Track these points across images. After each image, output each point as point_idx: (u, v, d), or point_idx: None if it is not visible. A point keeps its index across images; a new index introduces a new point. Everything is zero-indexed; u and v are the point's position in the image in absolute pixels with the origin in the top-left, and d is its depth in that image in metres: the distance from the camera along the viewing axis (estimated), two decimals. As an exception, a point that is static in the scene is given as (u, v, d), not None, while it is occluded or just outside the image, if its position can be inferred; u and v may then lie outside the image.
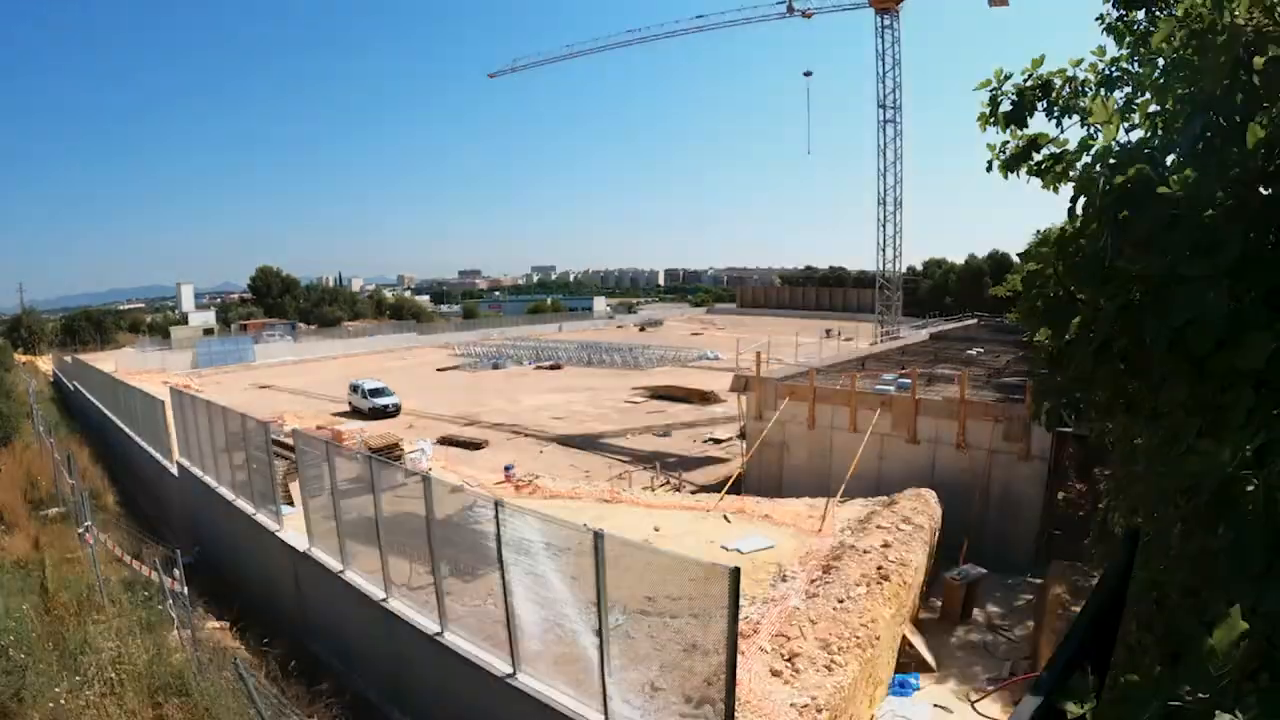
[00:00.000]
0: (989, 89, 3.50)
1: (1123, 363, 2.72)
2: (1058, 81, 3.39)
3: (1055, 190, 3.27)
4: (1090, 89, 3.41)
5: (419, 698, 8.41)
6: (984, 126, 3.56)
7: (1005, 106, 3.46)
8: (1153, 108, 2.89)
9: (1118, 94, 3.46)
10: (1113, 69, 3.48)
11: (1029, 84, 3.42)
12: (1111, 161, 2.53)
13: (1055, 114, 3.44)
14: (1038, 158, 3.39)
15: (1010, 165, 3.46)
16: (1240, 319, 2.01)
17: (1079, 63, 3.38)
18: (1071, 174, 3.18)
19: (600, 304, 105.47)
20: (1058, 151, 3.32)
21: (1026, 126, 3.44)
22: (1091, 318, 2.78)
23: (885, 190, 33.39)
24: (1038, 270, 3.27)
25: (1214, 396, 2.17)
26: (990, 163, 3.55)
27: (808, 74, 44.10)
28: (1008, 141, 3.49)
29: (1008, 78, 3.46)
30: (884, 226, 33.89)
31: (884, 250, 34.33)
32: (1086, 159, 3.11)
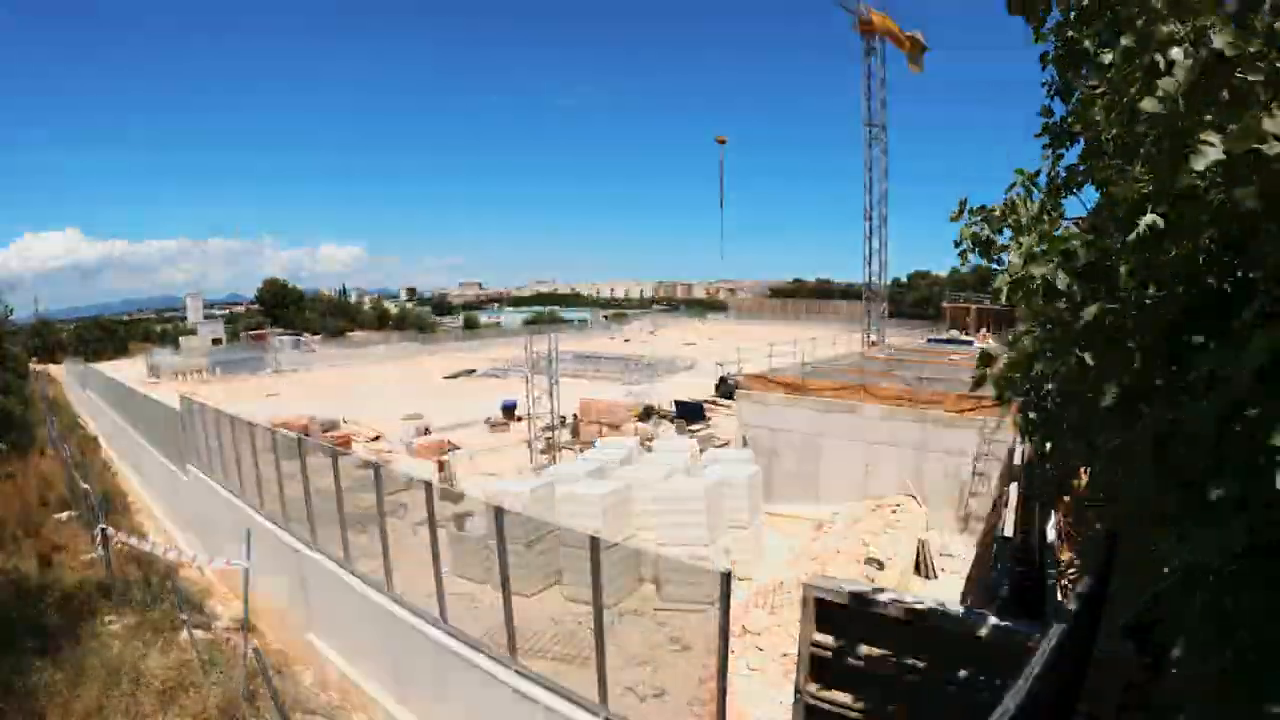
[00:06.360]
0: (961, 222, 3.41)
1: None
2: (1018, 195, 3.32)
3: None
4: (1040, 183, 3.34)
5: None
6: (964, 260, 3.50)
7: (983, 234, 3.37)
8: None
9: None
10: (1060, 127, 3.52)
11: (996, 211, 3.35)
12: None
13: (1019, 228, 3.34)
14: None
15: (1014, 291, 3.36)
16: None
17: (1034, 175, 3.34)
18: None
19: (596, 315, 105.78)
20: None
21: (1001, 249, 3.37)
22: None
23: (871, 205, 33.69)
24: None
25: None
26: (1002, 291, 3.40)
27: (721, 140, 35.84)
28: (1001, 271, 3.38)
29: (973, 209, 3.39)
30: (869, 240, 34.17)
31: (870, 263, 34.58)
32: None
